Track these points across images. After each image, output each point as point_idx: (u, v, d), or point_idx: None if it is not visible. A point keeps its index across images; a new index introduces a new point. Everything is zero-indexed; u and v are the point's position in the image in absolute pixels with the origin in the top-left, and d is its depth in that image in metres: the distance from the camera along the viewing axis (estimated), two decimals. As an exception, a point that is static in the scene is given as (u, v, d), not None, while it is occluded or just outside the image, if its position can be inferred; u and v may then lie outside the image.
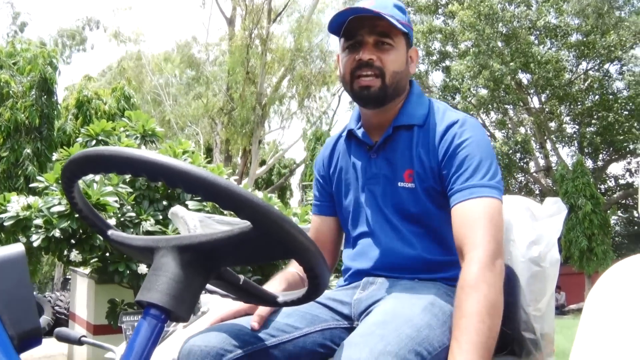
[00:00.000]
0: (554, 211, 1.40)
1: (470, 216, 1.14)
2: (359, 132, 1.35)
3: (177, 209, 2.11)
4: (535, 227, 1.36)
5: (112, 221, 4.23)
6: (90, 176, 4.19)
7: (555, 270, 1.36)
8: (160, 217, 4.55)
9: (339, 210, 1.41)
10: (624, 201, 22.40)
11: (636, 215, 23.55)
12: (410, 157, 1.26)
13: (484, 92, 19.30)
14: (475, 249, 1.10)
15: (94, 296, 6.27)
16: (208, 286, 1.06)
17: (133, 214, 4.48)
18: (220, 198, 0.71)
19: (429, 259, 1.24)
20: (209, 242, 0.79)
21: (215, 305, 1.61)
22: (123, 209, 4.44)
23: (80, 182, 0.89)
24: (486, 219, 1.13)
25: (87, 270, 5.82)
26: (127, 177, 4.69)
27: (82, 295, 6.87)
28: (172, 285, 0.77)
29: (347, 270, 1.37)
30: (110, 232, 0.91)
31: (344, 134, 1.41)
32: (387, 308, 1.12)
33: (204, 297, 1.63)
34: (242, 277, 0.92)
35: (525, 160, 21.21)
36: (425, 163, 1.24)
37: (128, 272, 4.34)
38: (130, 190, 4.61)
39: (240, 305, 1.21)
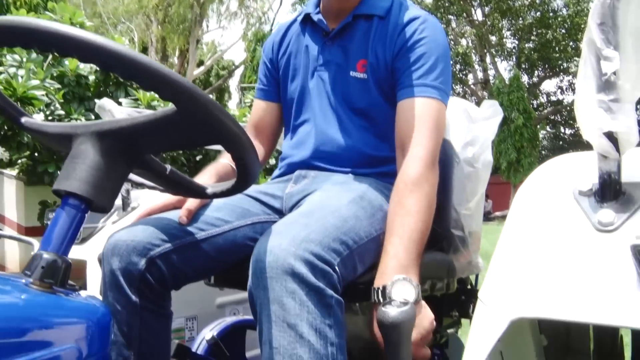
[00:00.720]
0: (490, 114, 1.41)
1: (418, 114, 1.12)
2: (316, 17, 1.28)
3: (104, 101, 1.97)
4: (471, 129, 1.37)
5: (39, 116, 4.00)
6: (12, 69, 3.89)
7: (487, 172, 1.39)
8: (93, 116, 4.33)
9: (283, 97, 1.35)
10: (553, 117, 23.40)
11: (562, 131, 24.75)
12: (366, 48, 1.22)
13: (429, 0, 19.02)
14: (419, 146, 1.09)
15: (23, 198, 6.05)
16: (134, 177, 1.01)
17: (62, 112, 4.24)
18: (138, 74, 0.65)
19: (366, 152, 1.23)
20: (131, 127, 0.73)
21: (146, 200, 1.56)
22: (51, 107, 4.19)
23: (3, 74, 0.79)
24: (432, 119, 1.12)
25: (15, 172, 5.57)
26: (55, 72, 4.39)
27: (10, 198, 6.63)
28: (91, 173, 0.72)
29: (283, 159, 1.34)
30: (24, 119, 0.84)
31: (300, 18, 1.34)
32: (315, 199, 1.11)
33: (135, 193, 1.57)
34: (168, 166, 0.88)
35: (464, 72, 21.50)
36: (380, 55, 1.20)
37: (59, 172, 4.16)
38: (59, 86, 4.33)
39: (168, 198, 1.16)
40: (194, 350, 1.37)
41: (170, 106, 0.70)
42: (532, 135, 16.77)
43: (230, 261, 1.17)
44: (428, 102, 1.13)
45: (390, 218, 1.06)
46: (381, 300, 0.94)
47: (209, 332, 1.35)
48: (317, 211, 1.03)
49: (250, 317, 1.59)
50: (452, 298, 1.35)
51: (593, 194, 0.75)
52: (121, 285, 1.03)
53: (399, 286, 0.93)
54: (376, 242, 1.07)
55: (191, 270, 1.12)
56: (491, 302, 0.71)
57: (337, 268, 0.94)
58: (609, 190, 0.73)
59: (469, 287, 1.45)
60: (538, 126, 19.11)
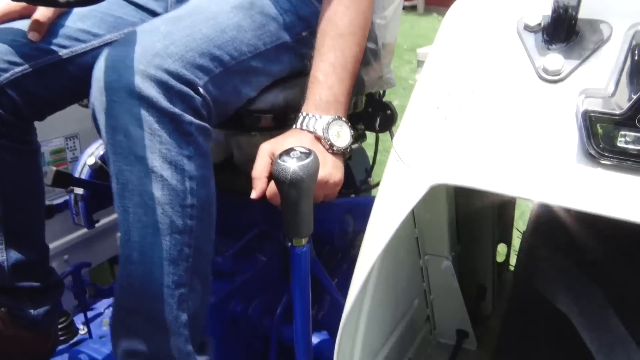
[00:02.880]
0: None
1: None
2: None
3: None
4: None
5: None
6: None
7: (407, -29, 1.20)
8: None
9: None
10: None
11: None
12: None
13: None
14: None
15: None
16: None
17: None
18: None
19: None
20: None
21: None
22: None
23: None
24: None
25: None
26: None
27: None
28: None
29: None
30: None
31: None
32: (194, 1, 0.90)
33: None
34: None
35: None
36: None
37: None
38: None
39: (9, 3, 0.90)
40: (76, 175, 1.23)
41: None
42: None
43: (103, 82, 0.96)
44: None
45: (319, 36, 0.88)
46: (307, 128, 0.83)
47: (91, 158, 1.20)
48: (188, 17, 0.83)
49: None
50: (359, 112, 1.27)
51: (541, 31, 0.62)
52: None
53: (335, 128, 0.81)
54: (265, 59, 0.89)
55: (54, 96, 0.93)
56: (410, 161, 0.61)
57: (201, 90, 0.78)
58: (562, 28, 0.60)
59: (377, 98, 1.37)
60: None
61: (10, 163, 0.91)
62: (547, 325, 0.69)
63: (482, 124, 0.59)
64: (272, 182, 0.82)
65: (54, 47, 0.90)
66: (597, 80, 0.57)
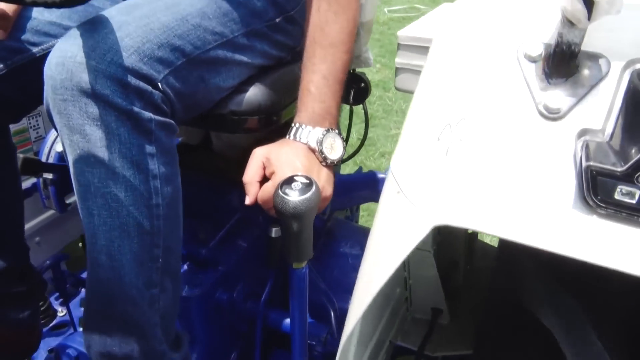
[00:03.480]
0: None
1: None
2: None
3: None
4: None
5: None
6: None
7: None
8: None
9: None
10: None
11: None
12: None
13: None
14: None
15: None
16: None
17: None
18: None
19: None
20: None
21: None
22: None
23: None
24: None
25: None
26: None
27: None
28: None
29: None
30: None
31: None
32: None
33: None
34: None
35: None
36: None
37: None
38: None
39: None
40: (44, 158, 1.18)
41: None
42: None
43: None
44: None
45: (309, 45, 0.85)
46: (300, 139, 0.82)
47: (59, 144, 1.15)
48: (145, 4, 0.78)
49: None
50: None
51: (542, 61, 0.62)
52: None
53: (329, 140, 0.80)
54: (233, 47, 0.86)
55: (28, 98, 0.88)
56: (413, 197, 0.62)
57: (160, 84, 0.74)
58: (563, 63, 0.60)
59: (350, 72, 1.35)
60: None
61: (-13, 170, 0.87)
62: (525, 335, 0.74)
63: (484, 162, 0.60)
64: (264, 186, 0.82)
65: (24, 46, 0.83)
66: (594, 119, 0.59)
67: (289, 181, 0.72)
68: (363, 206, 2.02)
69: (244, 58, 0.88)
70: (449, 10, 0.77)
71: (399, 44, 1.09)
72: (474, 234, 1.40)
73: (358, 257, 1.23)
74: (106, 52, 0.69)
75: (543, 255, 0.75)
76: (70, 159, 0.73)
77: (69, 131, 0.71)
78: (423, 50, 1.05)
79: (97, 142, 0.70)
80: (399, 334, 1.11)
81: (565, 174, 0.57)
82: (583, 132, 0.58)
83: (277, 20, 0.93)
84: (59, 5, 0.66)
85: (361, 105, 1.38)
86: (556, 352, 0.68)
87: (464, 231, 1.23)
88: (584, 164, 0.55)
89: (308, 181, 0.73)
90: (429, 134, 0.64)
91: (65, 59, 0.69)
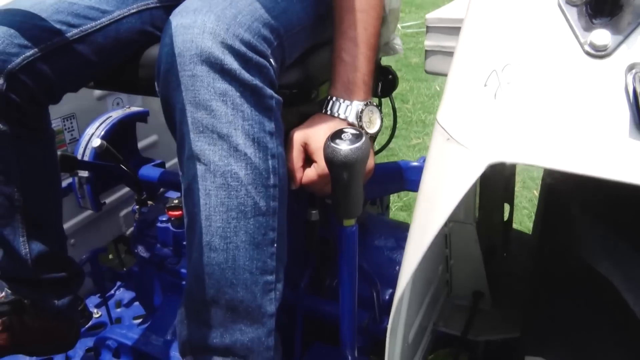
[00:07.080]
0: None
1: None
2: None
3: None
4: None
5: None
6: None
7: None
8: None
9: None
10: None
11: None
12: None
13: None
14: None
15: None
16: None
17: None
18: None
19: None
20: None
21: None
22: None
23: None
24: None
25: None
26: None
27: None
28: None
29: None
30: None
31: None
32: None
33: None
34: None
35: None
36: None
37: None
38: None
39: None
40: (79, 157, 1.19)
41: None
42: None
43: (115, 62, 0.94)
44: None
45: (337, 11, 0.84)
46: (338, 114, 0.81)
47: (96, 140, 1.17)
48: None
49: (138, 108, 1.41)
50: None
51: (584, 5, 0.63)
52: None
53: (368, 114, 0.80)
54: (306, 32, 0.87)
55: (66, 79, 0.90)
56: (465, 141, 0.62)
57: (272, 60, 0.75)
58: (606, 2, 0.61)
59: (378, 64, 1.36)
60: None
61: (29, 152, 0.88)
62: (584, 286, 0.72)
63: (533, 101, 0.60)
64: (307, 170, 0.82)
65: (63, 27, 0.86)
66: (643, 54, 0.59)
67: (338, 133, 0.73)
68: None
69: (308, 44, 0.90)
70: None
71: (427, 27, 1.10)
72: (508, 221, 1.39)
73: (392, 250, 1.22)
74: (231, 24, 0.70)
75: (597, 202, 0.74)
76: (191, 137, 0.71)
77: (194, 108, 0.70)
78: (452, 30, 1.06)
79: (222, 117, 0.70)
80: (441, 320, 1.09)
81: (618, 106, 0.57)
82: (633, 66, 0.58)
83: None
84: None
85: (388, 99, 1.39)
86: (614, 302, 0.66)
87: (501, 215, 1.22)
88: (639, 93, 0.55)
89: (358, 132, 0.73)
90: (475, 82, 0.65)
91: (194, 36, 0.69)
